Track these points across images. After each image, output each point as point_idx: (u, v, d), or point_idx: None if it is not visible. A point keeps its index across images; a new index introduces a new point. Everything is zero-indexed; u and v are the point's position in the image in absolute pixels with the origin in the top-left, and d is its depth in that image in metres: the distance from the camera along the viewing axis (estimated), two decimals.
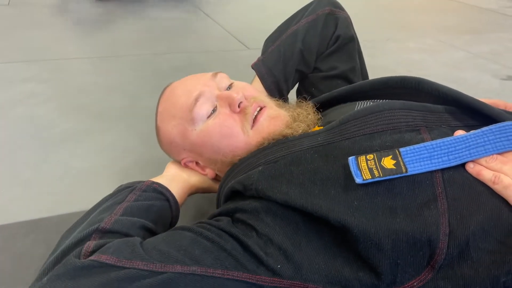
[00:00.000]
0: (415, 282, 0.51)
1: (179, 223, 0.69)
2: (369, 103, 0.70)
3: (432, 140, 0.55)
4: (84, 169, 0.99)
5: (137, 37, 2.01)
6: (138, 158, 1.04)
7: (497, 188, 0.51)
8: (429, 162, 0.53)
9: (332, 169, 0.56)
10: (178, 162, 0.77)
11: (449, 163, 0.53)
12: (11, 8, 2.38)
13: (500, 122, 0.54)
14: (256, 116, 0.68)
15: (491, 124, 0.54)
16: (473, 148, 0.53)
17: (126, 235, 0.55)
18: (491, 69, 1.76)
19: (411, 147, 0.54)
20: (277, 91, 0.92)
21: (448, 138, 0.54)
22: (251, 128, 0.68)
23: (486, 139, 0.53)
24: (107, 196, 0.64)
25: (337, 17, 0.93)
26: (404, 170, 0.52)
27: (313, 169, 0.57)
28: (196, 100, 0.68)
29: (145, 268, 0.48)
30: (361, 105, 0.70)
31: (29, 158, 1.02)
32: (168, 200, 0.66)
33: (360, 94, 0.75)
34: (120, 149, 1.08)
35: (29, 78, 1.47)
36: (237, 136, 0.67)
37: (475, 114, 0.61)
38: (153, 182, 0.67)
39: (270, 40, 0.97)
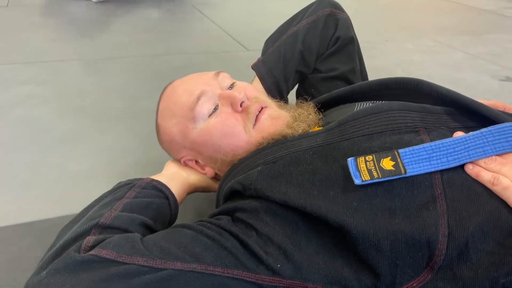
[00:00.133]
0: (414, 283, 0.51)
1: (177, 222, 0.69)
2: (369, 104, 0.70)
3: (431, 141, 0.55)
4: (82, 171, 0.99)
5: (135, 38, 2.01)
6: (137, 159, 1.04)
7: (496, 189, 0.51)
8: (428, 163, 0.53)
9: (331, 170, 0.56)
10: (177, 160, 0.77)
11: (448, 165, 0.53)
12: (10, 9, 2.38)
13: (499, 123, 0.54)
14: (257, 115, 0.68)
15: (490, 125, 0.54)
16: (472, 150, 0.53)
17: (126, 231, 0.55)
18: (490, 70, 1.76)
19: (410, 148, 0.54)
20: (277, 92, 0.93)
21: (447, 140, 0.54)
22: (253, 128, 0.68)
23: (485, 140, 0.53)
24: (106, 193, 0.64)
25: (337, 19, 0.93)
26: (403, 171, 0.52)
27: (312, 170, 0.57)
28: (198, 98, 0.68)
29: (145, 264, 0.48)
30: (360, 106, 0.70)
31: (27, 160, 1.02)
32: (167, 198, 0.66)
33: (359, 95, 0.75)
34: (118, 150, 1.08)
35: (27, 80, 1.47)
36: (239, 135, 0.67)
37: (474, 116, 0.61)
38: (153, 180, 0.67)
39: (270, 41, 0.97)
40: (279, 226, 0.55)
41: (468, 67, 1.79)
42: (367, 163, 0.54)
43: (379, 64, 1.75)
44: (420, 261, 0.50)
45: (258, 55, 0.97)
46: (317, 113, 0.73)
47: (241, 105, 0.68)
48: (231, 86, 0.73)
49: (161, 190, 0.66)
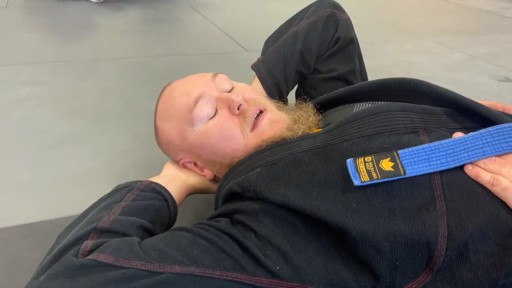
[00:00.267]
0: (413, 284, 0.51)
1: (177, 225, 0.69)
2: (368, 104, 0.70)
3: (431, 142, 0.55)
4: (81, 172, 0.99)
5: (134, 39, 2.01)
6: (136, 160, 1.04)
7: (495, 190, 0.51)
8: (427, 164, 0.53)
9: (331, 171, 0.56)
10: (176, 162, 0.77)
11: (448, 165, 0.53)
12: (8, 10, 2.38)
13: (498, 124, 0.54)
14: (257, 120, 0.68)
15: (489, 126, 0.54)
16: (471, 150, 0.53)
17: (124, 234, 0.55)
18: (489, 71, 1.76)
19: (410, 149, 0.54)
20: (277, 92, 0.92)
21: (447, 140, 0.54)
22: (251, 131, 0.67)
23: (484, 141, 0.53)
24: (105, 196, 0.64)
25: (338, 19, 0.93)
26: (402, 172, 0.52)
27: (311, 171, 0.57)
28: (196, 101, 0.68)
29: (144, 268, 0.48)
30: (359, 107, 0.69)
31: (26, 161, 1.02)
32: (166, 200, 0.66)
33: (358, 96, 0.75)
34: (117, 151, 1.08)
35: (25, 81, 1.46)
36: (237, 138, 0.67)
37: (473, 116, 0.61)
38: (151, 182, 0.67)
39: (270, 41, 0.97)
40: (278, 228, 0.55)
41: (467, 68, 1.79)
42: (366, 164, 0.54)
43: (379, 65, 1.76)
44: (419, 262, 0.50)
45: (257, 56, 0.97)
46: (316, 115, 0.73)
47: (238, 108, 0.67)
48: (229, 89, 0.72)
49: (159, 192, 0.66)
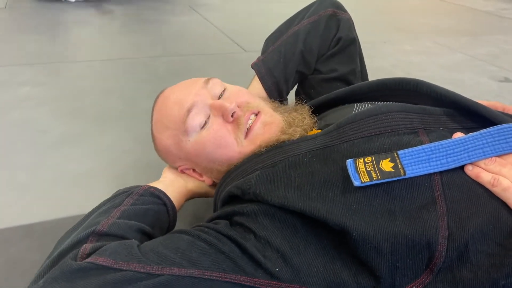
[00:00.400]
0: (414, 285, 0.51)
1: (176, 227, 0.69)
2: (367, 105, 0.69)
3: (431, 142, 0.55)
4: (80, 173, 0.99)
5: (133, 40, 2.00)
6: (135, 161, 1.04)
7: (496, 190, 0.51)
8: (427, 164, 0.53)
9: (330, 172, 0.56)
10: (175, 168, 0.77)
11: (448, 166, 0.53)
12: (7, 11, 2.38)
13: (498, 124, 0.54)
14: (250, 126, 0.68)
15: (489, 126, 0.54)
16: (471, 151, 0.53)
17: (123, 237, 0.55)
18: (488, 71, 1.76)
19: (410, 149, 0.54)
20: (277, 92, 0.92)
21: (447, 141, 0.54)
22: (245, 138, 0.67)
23: (484, 141, 0.53)
24: (104, 201, 0.64)
25: (339, 19, 0.93)
26: (402, 172, 0.52)
27: (311, 172, 0.57)
28: (189, 111, 0.68)
29: (142, 270, 0.48)
30: (359, 107, 0.69)
31: (25, 162, 1.02)
32: (165, 204, 0.66)
33: (358, 96, 0.75)
34: (117, 152, 1.08)
35: (24, 82, 1.46)
36: (231, 146, 0.67)
37: (473, 116, 0.60)
38: (150, 187, 0.67)
39: (271, 40, 0.96)
40: (277, 230, 0.55)
41: (467, 68, 1.79)
42: (366, 164, 0.54)
43: (378, 65, 1.76)
44: (420, 263, 0.50)
45: (256, 56, 0.97)
46: (311, 117, 0.73)
47: (232, 116, 0.67)
48: (222, 93, 0.71)
49: (159, 196, 0.66)
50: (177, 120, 0.69)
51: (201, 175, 0.75)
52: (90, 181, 0.96)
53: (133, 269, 0.48)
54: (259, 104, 0.71)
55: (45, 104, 1.30)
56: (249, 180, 0.59)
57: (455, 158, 0.53)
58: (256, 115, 0.69)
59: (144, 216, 0.61)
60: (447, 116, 0.61)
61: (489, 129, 0.54)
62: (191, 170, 0.75)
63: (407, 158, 0.53)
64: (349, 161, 0.54)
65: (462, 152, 0.53)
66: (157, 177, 0.78)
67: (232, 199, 0.63)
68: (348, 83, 0.92)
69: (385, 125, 0.59)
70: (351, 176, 0.53)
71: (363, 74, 0.98)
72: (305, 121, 0.70)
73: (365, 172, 0.53)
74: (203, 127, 0.68)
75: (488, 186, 0.51)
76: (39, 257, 0.74)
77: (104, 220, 0.56)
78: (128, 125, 1.20)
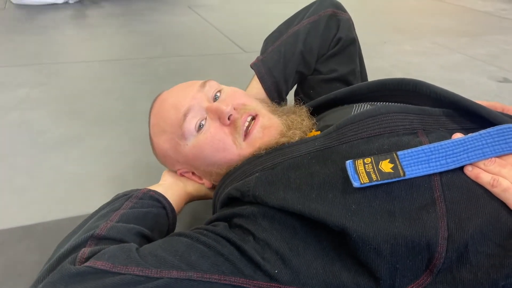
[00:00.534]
0: (413, 286, 0.51)
1: (175, 229, 0.69)
2: (367, 105, 0.69)
3: (430, 143, 0.55)
4: (79, 174, 0.99)
5: (133, 40, 2.00)
6: (134, 162, 1.03)
7: (495, 191, 0.51)
8: (427, 165, 0.53)
9: (330, 173, 0.56)
10: (174, 171, 0.76)
11: (447, 167, 0.53)
12: (7, 12, 2.38)
13: (498, 124, 0.54)
14: (249, 129, 0.67)
15: (489, 126, 0.54)
16: (471, 151, 0.53)
17: (121, 241, 0.55)
18: (488, 72, 1.76)
19: (409, 150, 0.54)
20: (276, 92, 0.92)
21: (446, 141, 0.54)
22: (244, 140, 0.67)
23: (484, 142, 0.53)
24: (103, 205, 0.64)
25: (339, 19, 0.93)
26: (402, 173, 0.52)
27: (310, 174, 0.57)
28: (185, 115, 0.67)
29: (141, 273, 0.48)
30: (358, 108, 0.69)
31: (24, 163, 1.02)
32: (164, 207, 0.66)
33: (357, 97, 0.75)
34: (116, 153, 1.07)
35: (23, 83, 1.46)
36: (230, 148, 0.67)
37: (473, 117, 0.60)
38: (150, 190, 0.67)
39: (270, 40, 0.96)
40: (276, 231, 0.54)
41: (466, 69, 1.79)
42: (366, 165, 0.53)
43: (378, 66, 1.76)
44: (419, 264, 0.50)
45: (256, 57, 0.96)
46: (310, 118, 0.73)
47: (229, 118, 0.67)
48: (219, 94, 0.71)
49: (158, 200, 0.66)
50: (174, 124, 0.68)
51: (200, 178, 0.75)
52: (89, 182, 0.96)
53: (131, 272, 0.48)
54: (256, 106, 0.71)
55: (44, 105, 1.30)
56: (249, 182, 0.59)
57: (455, 158, 0.53)
58: (254, 117, 0.68)
59: (143, 220, 0.61)
60: (447, 117, 0.61)
61: (488, 129, 0.53)
62: (190, 173, 0.75)
63: (406, 159, 0.53)
64: (348, 162, 0.54)
65: (461, 153, 0.53)
66: (157, 177, 0.77)
67: (231, 201, 0.63)
68: (348, 83, 0.92)
69: (384, 126, 0.59)
70: (351, 177, 0.53)
71: (363, 74, 0.98)
72: (304, 123, 0.70)
73: (365, 173, 0.53)
74: (200, 130, 0.68)
75: (488, 187, 0.51)
76: (38, 258, 0.73)
77: (103, 224, 0.56)
78: (128, 126, 1.20)
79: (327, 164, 0.57)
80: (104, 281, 0.47)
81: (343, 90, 0.77)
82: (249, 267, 0.52)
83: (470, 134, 0.54)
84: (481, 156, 0.53)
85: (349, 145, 0.58)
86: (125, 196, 0.64)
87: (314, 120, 0.73)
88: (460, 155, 0.53)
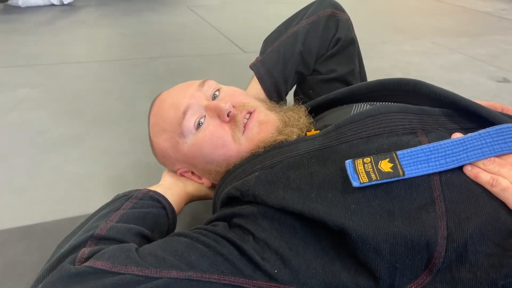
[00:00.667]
0: (413, 285, 0.51)
1: (175, 230, 0.69)
2: (366, 105, 0.69)
3: (429, 143, 0.55)
4: (79, 174, 0.99)
5: (132, 41, 2.00)
6: (133, 162, 1.03)
7: (495, 190, 0.51)
8: (426, 165, 0.53)
9: (329, 173, 0.56)
10: (174, 171, 0.76)
11: (447, 166, 0.53)
12: (6, 12, 2.38)
13: (497, 124, 0.54)
14: (246, 123, 0.68)
15: (488, 126, 0.54)
16: (470, 151, 0.53)
17: (121, 241, 0.55)
18: (487, 72, 1.76)
19: (408, 150, 0.54)
20: (276, 93, 0.92)
21: (445, 141, 0.54)
22: (242, 135, 0.67)
23: (483, 141, 0.53)
24: (103, 205, 0.64)
25: (338, 19, 0.93)
26: (401, 173, 0.52)
27: (310, 173, 0.57)
28: (184, 113, 0.68)
29: (140, 273, 0.48)
30: (358, 108, 0.69)
31: (23, 163, 1.02)
32: (164, 208, 0.66)
33: (357, 97, 0.75)
34: (116, 153, 1.07)
35: (23, 83, 1.46)
36: (229, 145, 0.67)
37: (472, 117, 0.60)
38: (150, 190, 0.67)
39: (269, 40, 0.96)
40: (276, 231, 0.55)
41: (466, 69, 1.79)
42: (365, 165, 0.54)
43: (377, 66, 1.76)
44: (419, 263, 0.50)
45: (255, 57, 0.97)
46: (308, 117, 0.73)
47: (228, 115, 0.67)
48: (217, 93, 0.71)
49: (158, 200, 0.66)
50: (173, 122, 0.69)
51: (200, 177, 0.75)
52: (89, 182, 0.96)
53: (131, 272, 0.48)
54: (254, 103, 0.71)
55: (43, 106, 1.30)
56: (248, 182, 0.59)
57: (454, 158, 0.53)
58: (251, 113, 0.69)
59: (143, 220, 0.61)
60: (446, 117, 0.61)
61: (488, 129, 0.53)
62: (190, 173, 0.75)
63: (406, 158, 0.53)
64: (347, 162, 0.54)
65: (461, 153, 0.53)
66: (156, 177, 0.78)
67: (231, 200, 0.63)
68: (347, 83, 0.92)
69: (384, 126, 0.59)
70: (350, 176, 0.53)
71: (362, 74, 0.98)
72: (301, 120, 0.70)
73: (364, 173, 0.53)
74: (199, 128, 0.68)
75: (487, 186, 0.51)
76: (38, 258, 0.73)
77: (102, 224, 0.56)
78: (128, 126, 1.20)
79: (327, 163, 0.57)
80: (104, 281, 0.47)
81: (342, 90, 0.77)
82: (249, 267, 0.52)
83: (469, 134, 0.54)
84: (480, 156, 0.53)
85: (349, 145, 0.58)
86: (125, 197, 0.65)
87: (312, 119, 0.73)
88: (459, 155, 0.53)
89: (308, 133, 0.68)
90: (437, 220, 0.50)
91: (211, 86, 0.72)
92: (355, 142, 0.58)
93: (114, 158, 1.06)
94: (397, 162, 0.53)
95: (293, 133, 0.67)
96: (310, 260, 0.53)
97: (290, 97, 1.00)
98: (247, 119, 0.68)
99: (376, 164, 0.53)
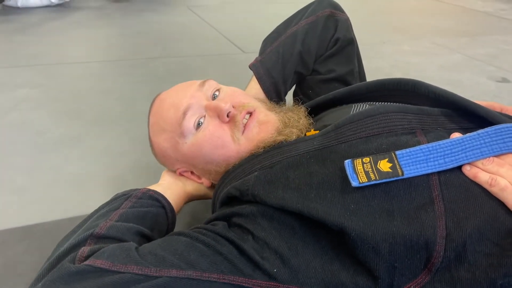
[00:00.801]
0: (412, 285, 0.51)
1: (174, 228, 0.69)
2: (365, 105, 0.69)
3: (428, 142, 0.55)
4: (79, 174, 0.99)
5: (132, 41, 2.00)
6: (133, 162, 1.04)
7: (493, 190, 0.51)
8: (425, 165, 0.53)
9: (329, 173, 0.56)
10: (173, 171, 0.77)
11: (446, 166, 0.53)
12: (6, 13, 2.38)
13: (496, 124, 0.54)
14: (246, 123, 0.68)
15: (487, 126, 0.54)
16: (469, 151, 0.53)
17: (121, 240, 0.55)
18: (487, 72, 1.76)
19: (407, 150, 0.54)
20: (275, 93, 0.92)
21: (444, 141, 0.54)
22: (242, 135, 0.67)
23: (482, 141, 0.53)
24: (103, 204, 0.64)
25: (337, 19, 0.93)
26: (400, 173, 0.52)
27: (309, 173, 0.57)
28: (184, 113, 0.68)
29: (140, 272, 0.48)
30: (357, 108, 0.69)
31: (23, 163, 1.02)
32: (164, 207, 0.66)
33: (356, 97, 0.75)
34: (115, 153, 1.08)
35: (23, 83, 1.46)
36: (228, 145, 0.67)
37: (471, 117, 0.61)
38: (149, 190, 0.67)
39: (269, 41, 0.96)
40: (275, 230, 0.55)
41: (465, 69, 1.79)
42: (364, 165, 0.54)
43: (377, 66, 1.76)
44: (418, 263, 0.50)
45: (254, 57, 0.97)
46: (307, 117, 0.73)
47: (228, 115, 0.67)
48: (217, 93, 0.72)
49: (157, 199, 0.66)
50: (173, 122, 0.69)
51: (199, 177, 0.75)
52: (89, 183, 0.96)
53: (130, 271, 0.48)
54: (254, 104, 0.71)
55: (43, 106, 1.30)
56: (248, 181, 0.59)
57: (453, 158, 0.53)
58: (251, 114, 0.69)
59: (142, 219, 0.61)
60: (445, 117, 0.61)
61: (486, 129, 0.54)
62: (189, 173, 0.75)
63: (405, 158, 0.53)
64: (347, 162, 0.54)
65: (459, 152, 0.53)
66: (156, 177, 0.78)
67: (230, 200, 0.63)
68: (346, 83, 0.92)
69: (383, 126, 0.59)
70: (349, 176, 0.53)
71: (361, 74, 0.98)
72: (301, 121, 0.70)
73: (363, 173, 0.53)
74: (199, 128, 0.68)
75: (486, 186, 0.52)
76: (38, 258, 0.73)
77: (102, 223, 0.56)
78: (127, 126, 1.20)
79: (326, 163, 0.57)
80: (104, 279, 0.47)
81: (341, 90, 0.77)
82: (248, 266, 0.52)
83: (468, 134, 0.55)
84: (479, 156, 0.53)
85: (348, 145, 0.58)
86: (124, 196, 0.65)
87: (311, 120, 0.73)
88: (458, 155, 0.53)
89: (308, 133, 0.68)
90: (436, 220, 0.50)
91: (211, 86, 0.72)
92: (354, 142, 0.58)
93: (114, 158, 1.06)
94: (396, 162, 0.53)
95: (293, 134, 0.67)
96: (309, 259, 0.53)
97: (289, 97, 1.00)
98: (247, 119, 0.68)
99: (375, 164, 0.54)
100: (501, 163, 0.52)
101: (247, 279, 0.51)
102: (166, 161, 0.75)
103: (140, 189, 0.67)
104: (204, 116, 0.68)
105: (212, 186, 0.76)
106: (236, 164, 0.66)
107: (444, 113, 0.62)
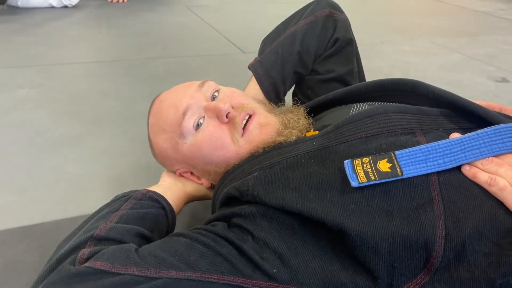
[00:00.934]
0: (411, 285, 0.51)
1: (175, 230, 0.69)
2: (365, 105, 0.70)
3: (428, 143, 0.55)
4: (78, 175, 0.99)
5: (132, 41, 2.00)
6: (133, 163, 1.04)
7: (493, 190, 0.51)
8: (424, 165, 0.53)
9: (328, 173, 0.56)
10: (173, 172, 0.77)
11: (445, 166, 0.53)
12: (6, 13, 2.38)
13: (495, 124, 0.54)
14: (245, 125, 0.68)
15: (486, 126, 0.54)
16: (468, 151, 0.53)
17: (121, 241, 0.55)
18: (486, 72, 1.76)
19: (407, 150, 0.54)
20: (274, 93, 0.92)
21: (444, 141, 0.54)
22: (241, 137, 0.67)
23: (481, 141, 0.53)
24: (103, 206, 0.65)
25: (336, 20, 0.93)
26: (399, 173, 0.52)
27: (309, 173, 0.57)
28: (184, 114, 0.68)
29: (140, 274, 0.48)
30: (356, 108, 0.69)
31: (22, 164, 1.02)
32: (163, 208, 0.66)
33: (356, 97, 0.75)
34: (115, 154, 1.08)
35: (22, 84, 1.46)
36: (228, 146, 0.67)
37: (470, 117, 0.61)
38: (149, 191, 0.67)
39: (268, 41, 0.96)
40: (275, 231, 0.55)
41: (464, 69, 1.79)
42: (364, 165, 0.54)
43: (376, 66, 1.76)
44: (417, 263, 0.50)
45: (254, 57, 0.97)
46: (307, 118, 0.73)
47: (227, 116, 0.67)
48: (217, 93, 0.72)
49: (157, 200, 0.66)
50: (173, 123, 0.69)
51: (199, 178, 0.75)
52: (89, 182, 0.96)
53: (130, 272, 0.48)
54: (253, 105, 0.71)
55: (43, 106, 1.30)
56: (247, 182, 0.59)
57: (452, 158, 0.53)
58: (250, 116, 0.69)
59: (142, 220, 0.61)
60: (444, 117, 0.62)
61: (486, 129, 0.54)
62: (189, 173, 0.75)
63: (404, 158, 0.54)
64: (346, 162, 0.54)
65: (459, 152, 0.53)
66: (156, 177, 0.78)
67: (230, 200, 0.63)
68: (346, 83, 0.92)
69: (382, 126, 0.60)
70: (349, 176, 0.53)
71: (360, 74, 0.99)
72: (301, 122, 0.70)
73: (363, 173, 0.53)
74: (198, 129, 0.68)
75: (485, 186, 0.52)
76: (37, 259, 0.74)
77: (102, 225, 0.57)
78: (127, 126, 1.20)
79: (326, 164, 0.57)
80: (104, 281, 0.47)
81: (341, 90, 0.77)
82: (248, 266, 0.52)
83: (467, 134, 0.55)
84: (478, 156, 0.53)
85: (347, 145, 0.58)
86: (124, 197, 0.65)
87: (311, 120, 0.73)
88: (457, 155, 0.53)
89: (307, 134, 0.68)
90: (435, 220, 0.50)
91: (210, 86, 0.72)
92: (354, 142, 0.59)
93: (114, 158, 1.06)
94: (395, 162, 0.53)
95: (293, 135, 0.67)
96: (309, 259, 0.53)
97: (289, 97, 1.00)
98: (247, 120, 0.68)
99: (375, 164, 0.54)
100: (500, 163, 0.52)
101: (247, 280, 0.51)
102: (165, 162, 0.75)
103: (140, 190, 0.67)
104: (204, 117, 0.68)
105: (211, 187, 0.76)
106: (236, 164, 0.66)
107: (443, 113, 0.62)
